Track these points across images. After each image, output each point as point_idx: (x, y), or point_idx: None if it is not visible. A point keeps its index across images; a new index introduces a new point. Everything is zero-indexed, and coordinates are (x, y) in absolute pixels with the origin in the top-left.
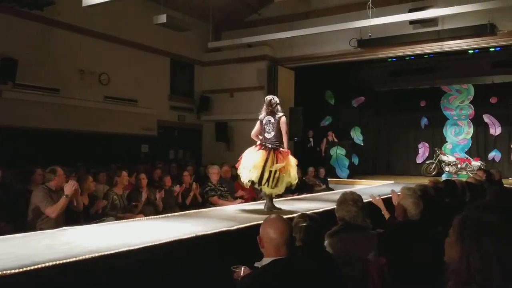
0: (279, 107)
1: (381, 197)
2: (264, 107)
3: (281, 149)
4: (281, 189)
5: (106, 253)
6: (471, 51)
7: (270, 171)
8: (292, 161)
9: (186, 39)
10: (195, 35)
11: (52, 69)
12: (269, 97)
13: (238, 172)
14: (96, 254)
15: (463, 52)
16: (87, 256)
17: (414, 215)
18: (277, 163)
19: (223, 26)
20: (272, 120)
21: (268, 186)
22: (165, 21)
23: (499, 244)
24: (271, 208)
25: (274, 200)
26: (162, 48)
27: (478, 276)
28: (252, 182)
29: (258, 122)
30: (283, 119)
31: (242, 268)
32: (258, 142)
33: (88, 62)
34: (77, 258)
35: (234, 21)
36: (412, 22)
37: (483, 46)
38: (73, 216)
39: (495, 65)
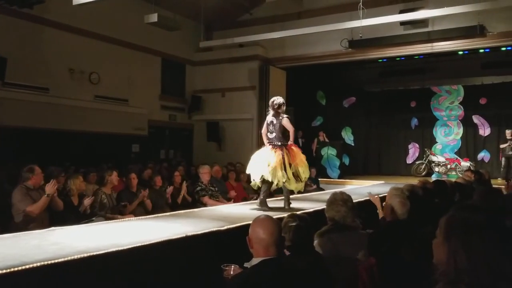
0: (283, 108)
1: (378, 196)
2: (269, 108)
3: (290, 144)
4: (300, 185)
5: (95, 253)
6: (460, 52)
7: (291, 167)
8: (303, 158)
9: (178, 38)
10: (186, 35)
11: (42, 68)
12: (272, 99)
13: (251, 172)
14: (85, 255)
15: (453, 53)
16: (76, 257)
17: (401, 214)
18: (293, 158)
19: (214, 25)
20: (275, 121)
21: (296, 182)
22: (156, 20)
23: (486, 243)
24: (288, 205)
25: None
26: (153, 48)
27: (466, 276)
28: (278, 182)
29: (265, 122)
30: (285, 120)
31: (232, 266)
32: (266, 141)
33: (78, 61)
34: (66, 259)
35: (226, 20)
36: (402, 23)
37: (472, 47)
38: (62, 216)
39: (485, 66)
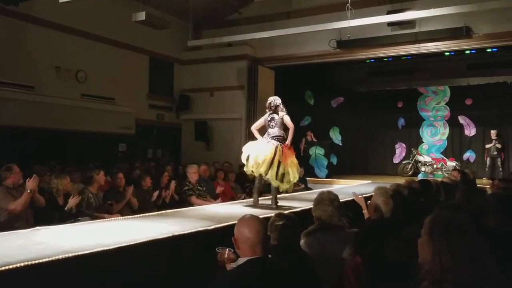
0: (281, 107)
1: (363, 196)
2: (267, 109)
3: (287, 143)
4: (286, 185)
5: (80, 253)
6: (447, 53)
7: (279, 166)
8: (295, 161)
9: (166, 37)
10: (174, 33)
11: (27, 65)
12: (270, 99)
13: (245, 160)
14: (70, 255)
15: (439, 54)
16: (60, 257)
17: (385, 213)
18: (284, 158)
19: (203, 24)
20: (276, 117)
21: (277, 179)
22: (144, 18)
23: (469, 242)
24: (275, 204)
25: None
26: (140, 46)
27: (450, 275)
28: (260, 175)
29: (262, 118)
30: (286, 117)
31: (227, 250)
32: (258, 136)
33: (64, 59)
34: (50, 259)
35: (214, 19)
36: (390, 24)
37: (459, 49)
38: (48, 215)
39: (471, 68)
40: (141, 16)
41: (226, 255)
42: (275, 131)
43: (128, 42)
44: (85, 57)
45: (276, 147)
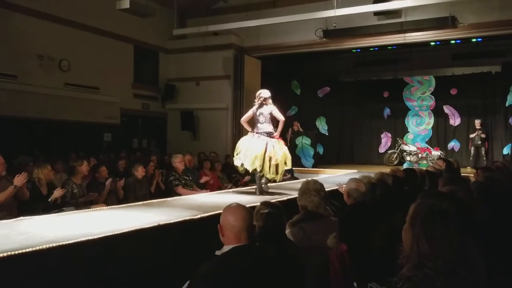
0: (269, 101)
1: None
2: (256, 100)
3: (276, 135)
4: (280, 176)
5: (64, 243)
6: (432, 43)
7: (270, 160)
8: (287, 152)
9: (150, 25)
10: (159, 22)
11: (9, 54)
12: (259, 91)
13: (236, 160)
14: (54, 244)
15: (425, 44)
16: (44, 246)
17: (356, 198)
18: (276, 152)
19: (188, 13)
20: (265, 112)
21: (270, 172)
22: (128, 6)
23: (447, 229)
24: (262, 191)
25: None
26: (125, 35)
27: (428, 261)
28: (255, 170)
29: (251, 110)
30: (275, 111)
31: None
32: (250, 130)
33: (47, 47)
34: (34, 248)
35: (200, 8)
36: (376, 13)
37: (444, 39)
38: (31, 206)
39: (456, 58)
40: (125, 3)
41: None
42: (264, 126)
43: (112, 30)
44: (69, 45)
45: (266, 143)
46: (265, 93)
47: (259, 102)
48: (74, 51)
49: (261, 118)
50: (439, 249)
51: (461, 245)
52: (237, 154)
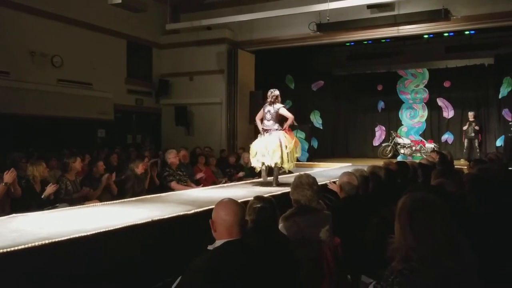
0: (279, 99)
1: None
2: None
3: (285, 128)
4: (294, 164)
5: (56, 240)
6: (426, 36)
7: (287, 148)
8: (297, 141)
9: (143, 20)
10: (152, 17)
11: (1, 51)
12: (270, 90)
13: (254, 161)
14: (46, 241)
15: (418, 37)
16: (36, 243)
17: (348, 190)
18: (288, 141)
19: (181, 7)
20: (272, 110)
21: (288, 162)
22: (120, 1)
23: (431, 221)
24: (279, 183)
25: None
26: (117, 30)
27: (414, 252)
28: (275, 164)
29: (262, 109)
30: (282, 109)
31: None
32: (261, 127)
33: (39, 43)
34: (26, 246)
35: (193, 2)
36: (369, 6)
37: (437, 31)
38: (24, 203)
39: (449, 50)
40: None
41: None
42: (270, 124)
43: (104, 25)
44: (61, 41)
45: (278, 136)
46: (275, 91)
47: (271, 100)
48: (66, 47)
49: (268, 116)
50: (424, 240)
51: (448, 236)
52: (253, 157)
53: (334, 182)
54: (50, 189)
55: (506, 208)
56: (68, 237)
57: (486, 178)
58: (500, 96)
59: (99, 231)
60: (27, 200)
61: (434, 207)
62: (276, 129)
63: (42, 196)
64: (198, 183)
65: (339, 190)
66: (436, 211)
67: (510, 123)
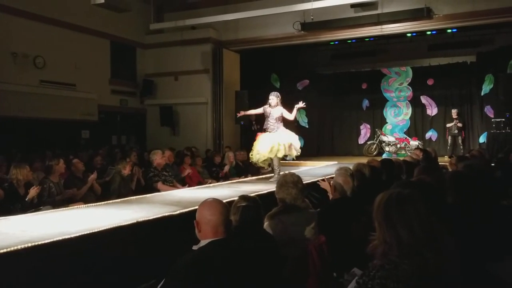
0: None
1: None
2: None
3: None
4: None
5: (39, 243)
6: (409, 35)
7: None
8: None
9: (127, 20)
10: (136, 17)
11: None
12: (277, 93)
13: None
14: (29, 244)
15: (401, 36)
16: (18, 247)
17: (345, 191)
18: (285, 138)
19: (165, 7)
20: (274, 112)
21: (290, 151)
22: (103, 1)
23: (406, 215)
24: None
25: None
26: (101, 30)
27: (393, 248)
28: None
29: (262, 108)
30: (285, 112)
31: None
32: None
33: (21, 44)
34: (8, 249)
35: (177, 2)
36: (353, 5)
37: (420, 30)
38: (8, 206)
39: (431, 48)
40: None
41: None
42: (273, 124)
43: (87, 26)
44: (43, 42)
45: (277, 132)
46: (278, 95)
47: (279, 102)
48: (49, 47)
49: (270, 118)
50: (402, 236)
51: (425, 230)
52: (259, 154)
53: (324, 180)
54: (33, 191)
55: (485, 203)
56: (51, 240)
57: (467, 174)
58: (482, 93)
59: (83, 233)
60: (10, 203)
61: (410, 203)
62: (276, 130)
63: (26, 199)
64: (184, 182)
65: (333, 190)
66: (412, 207)
67: (492, 120)
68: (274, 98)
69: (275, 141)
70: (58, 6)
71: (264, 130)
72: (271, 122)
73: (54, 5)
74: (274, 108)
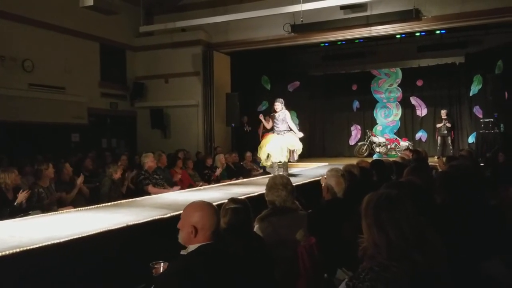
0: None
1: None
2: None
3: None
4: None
5: (28, 247)
6: (398, 36)
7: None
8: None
9: (116, 23)
10: (125, 19)
11: None
12: (281, 100)
13: (262, 156)
14: (17, 250)
15: (390, 37)
16: (6, 252)
17: (337, 193)
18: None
19: (155, 9)
20: (280, 117)
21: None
22: (92, 3)
23: (395, 216)
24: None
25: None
26: (90, 33)
27: (382, 250)
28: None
29: (270, 118)
30: (287, 117)
31: (162, 264)
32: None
33: (9, 47)
34: None
35: (167, 4)
36: (342, 7)
37: (409, 31)
38: None
39: (421, 49)
40: (89, 1)
41: (161, 270)
42: (280, 127)
43: (76, 28)
44: (32, 45)
45: (284, 135)
46: (282, 102)
47: (282, 107)
48: (37, 51)
49: (277, 122)
50: (391, 237)
51: (414, 231)
52: (267, 156)
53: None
54: (22, 196)
55: (474, 202)
56: (40, 245)
57: (455, 174)
58: (471, 94)
59: (72, 237)
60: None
61: (398, 204)
62: (286, 130)
63: (15, 203)
64: (175, 182)
65: (326, 191)
66: (401, 208)
67: (481, 120)
68: (279, 104)
69: (285, 144)
70: (46, 8)
71: (272, 132)
72: (277, 125)
73: (42, 7)
74: (279, 112)
